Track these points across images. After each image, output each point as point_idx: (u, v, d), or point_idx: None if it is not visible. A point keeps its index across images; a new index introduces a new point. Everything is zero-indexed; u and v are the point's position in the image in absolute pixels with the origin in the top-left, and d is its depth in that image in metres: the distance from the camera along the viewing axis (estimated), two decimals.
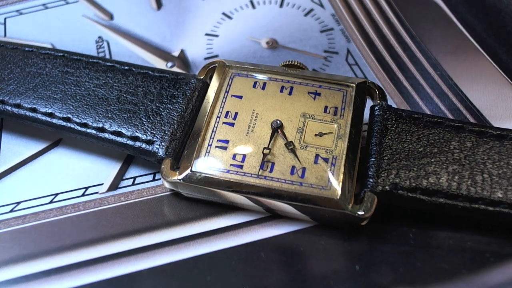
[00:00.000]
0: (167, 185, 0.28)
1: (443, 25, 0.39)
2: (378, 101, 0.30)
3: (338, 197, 0.26)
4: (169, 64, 0.38)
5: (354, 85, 0.30)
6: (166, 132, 0.29)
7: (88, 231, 0.28)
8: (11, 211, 0.29)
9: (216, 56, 0.38)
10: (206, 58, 0.38)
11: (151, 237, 0.28)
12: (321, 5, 0.41)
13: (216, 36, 0.40)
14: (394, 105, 0.34)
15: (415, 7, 0.41)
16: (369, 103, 0.31)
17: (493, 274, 0.26)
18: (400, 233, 0.27)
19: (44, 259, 0.27)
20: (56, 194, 0.30)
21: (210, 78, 0.32)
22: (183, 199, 0.29)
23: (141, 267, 0.27)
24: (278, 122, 0.29)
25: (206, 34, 0.40)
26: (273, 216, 0.28)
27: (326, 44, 0.38)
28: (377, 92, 0.30)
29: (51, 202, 0.29)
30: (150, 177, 0.30)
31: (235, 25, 0.40)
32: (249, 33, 0.40)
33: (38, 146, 0.33)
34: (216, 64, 0.32)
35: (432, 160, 0.27)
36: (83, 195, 0.30)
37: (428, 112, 0.33)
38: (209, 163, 0.28)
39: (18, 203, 0.30)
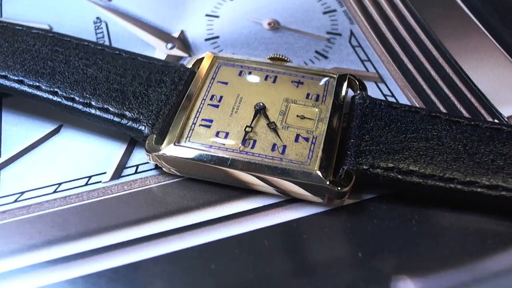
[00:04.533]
0: (151, 160, 0.29)
1: (447, 7, 0.38)
2: (359, 92, 0.31)
3: (317, 171, 0.27)
4: (169, 45, 0.37)
5: (335, 76, 0.32)
6: (153, 111, 0.30)
7: (92, 221, 0.28)
8: (15, 201, 0.29)
9: (217, 37, 0.38)
10: (206, 39, 0.38)
11: (155, 226, 0.28)
12: None
13: (217, 17, 0.39)
14: (398, 88, 0.34)
15: None
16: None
17: (496, 261, 0.26)
18: (403, 220, 0.28)
19: (49, 249, 0.27)
20: (60, 184, 0.30)
21: (198, 68, 0.33)
22: (186, 187, 0.29)
23: (145, 256, 0.27)
24: (261, 104, 0.30)
25: (207, 15, 0.39)
26: (276, 204, 0.28)
27: (329, 26, 0.38)
28: (358, 84, 0.31)
29: (54, 191, 0.29)
30: (152, 165, 0.30)
31: (236, 5, 0.40)
32: (250, 14, 0.39)
33: (39, 134, 0.32)
34: (205, 56, 0.33)
35: (408, 144, 0.28)
36: (86, 184, 0.30)
37: (432, 95, 0.33)
38: (192, 139, 0.29)
39: (22, 193, 0.29)
